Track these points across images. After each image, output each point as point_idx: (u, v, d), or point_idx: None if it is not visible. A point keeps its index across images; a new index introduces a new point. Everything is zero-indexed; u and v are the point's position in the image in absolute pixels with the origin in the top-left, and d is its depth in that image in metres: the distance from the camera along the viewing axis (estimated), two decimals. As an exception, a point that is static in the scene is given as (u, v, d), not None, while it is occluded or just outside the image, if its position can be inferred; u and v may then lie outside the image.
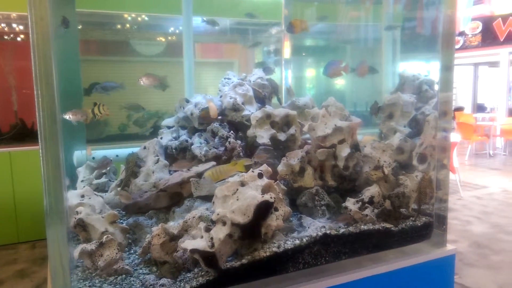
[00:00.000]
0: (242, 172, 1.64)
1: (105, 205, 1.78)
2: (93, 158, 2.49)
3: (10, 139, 5.15)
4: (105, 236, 1.53)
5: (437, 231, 2.00)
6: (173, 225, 1.62)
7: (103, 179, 2.16)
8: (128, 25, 5.71)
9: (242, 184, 1.59)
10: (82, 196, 1.72)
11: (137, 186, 1.95)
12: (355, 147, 1.96)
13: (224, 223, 1.49)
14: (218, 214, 1.49)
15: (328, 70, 2.16)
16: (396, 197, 1.88)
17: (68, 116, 1.71)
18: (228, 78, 2.34)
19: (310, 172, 1.86)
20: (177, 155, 2.07)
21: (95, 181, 2.13)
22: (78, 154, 2.59)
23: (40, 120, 1.25)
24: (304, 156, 1.87)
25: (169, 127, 2.33)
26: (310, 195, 1.85)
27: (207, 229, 1.50)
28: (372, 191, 1.84)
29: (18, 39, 5.73)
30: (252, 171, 1.64)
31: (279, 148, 2.05)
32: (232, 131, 2.04)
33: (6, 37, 5.68)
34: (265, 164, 1.69)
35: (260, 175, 1.63)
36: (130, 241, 1.73)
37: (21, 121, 5.37)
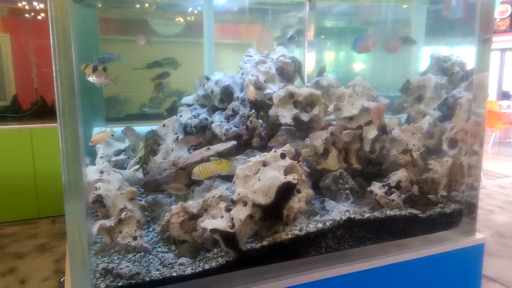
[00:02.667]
0: (228, 171, 1.65)
1: (124, 181, 1.76)
2: (112, 135, 2.47)
3: (30, 116, 5.22)
4: (124, 213, 1.50)
5: (466, 219, 1.91)
6: (193, 204, 1.58)
7: (122, 156, 2.14)
8: (147, 4, 5.64)
9: (264, 164, 1.53)
10: (101, 172, 1.69)
11: (156, 163, 1.91)
12: (382, 130, 1.87)
13: (245, 204, 1.45)
14: (239, 194, 1.44)
15: (357, 45, 2.06)
16: (424, 182, 1.79)
17: (92, 79, 1.67)
18: (250, 56, 2.26)
19: (335, 154, 1.79)
20: (196, 133, 2.02)
21: (114, 158, 2.11)
22: (98, 131, 2.57)
23: (58, 95, 1.21)
24: (329, 138, 1.79)
25: (188, 105, 2.27)
26: (333, 178, 1.78)
27: (228, 209, 1.46)
28: (399, 175, 1.76)
29: (39, 17, 5.74)
30: (275, 151, 1.57)
31: (302, 129, 1.98)
32: (253, 110, 1.98)
33: (27, 15, 5.69)
34: (288, 144, 1.62)
35: (282, 156, 1.57)
36: (148, 218, 1.71)
37: (42, 98, 5.42)
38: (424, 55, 3.15)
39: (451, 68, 2.23)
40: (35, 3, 5.60)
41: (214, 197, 1.57)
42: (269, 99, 2.02)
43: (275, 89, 2.05)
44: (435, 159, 1.87)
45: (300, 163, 1.67)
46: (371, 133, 1.80)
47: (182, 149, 1.95)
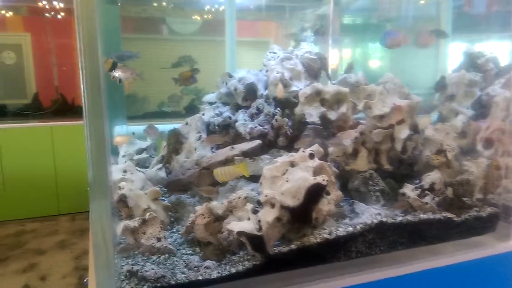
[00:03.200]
0: (245, 174, 1.56)
1: (147, 181, 1.72)
2: (133, 133, 2.45)
3: (51, 114, 5.27)
4: (148, 214, 1.47)
5: (503, 223, 1.81)
6: (218, 205, 1.53)
7: (144, 155, 2.11)
8: (165, 3, 5.63)
9: (292, 164, 1.47)
10: (125, 171, 1.66)
11: (179, 163, 1.87)
12: (414, 129, 1.79)
13: (272, 206, 1.39)
14: (266, 196, 1.39)
15: (386, 40, 1.97)
16: (459, 184, 1.70)
17: (117, 73, 1.64)
18: (274, 52, 2.20)
19: (364, 154, 1.71)
20: (220, 132, 1.98)
21: (136, 157, 2.08)
22: (119, 130, 2.56)
23: (84, 93, 1.18)
24: (358, 137, 1.72)
25: (210, 103, 2.23)
26: (363, 179, 1.70)
27: (254, 211, 1.41)
28: (433, 177, 1.67)
29: (59, 16, 5.79)
30: (303, 151, 1.51)
31: (329, 128, 1.91)
32: (278, 108, 1.92)
33: (47, 14, 5.75)
34: (316, 144, 1.56)
35: (311, 156, 1.50)
36: (172, 219, 1.67)
37: (62, 96, 5.48)
38: (450, 51, 3.05)
39: (485, 64, 2.13)
40: (55, 2, 5.65)
41: (239, 198, 1.52)
42: (295, 97, 1.95)
43: (301, 87, 1.98)
44: (471, 160, 1.78)
45: (328, 163, 1.60)
46: (403, 132, 1.72)
47: (205, 148, 1.91)
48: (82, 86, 1.17)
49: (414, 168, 1.80)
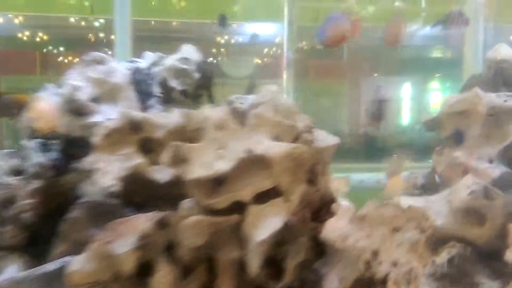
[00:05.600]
0: None
1: None
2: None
3: None
4: None
5: None
6: None
7: None
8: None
9: None
10: None
11: None
12: (323, 210, 0.70)
13: None
14: None
15: (325, 33, 1.03)
16: None
17: None
18: (134, 61, 1.27)
19: (167, 276, 0.66)
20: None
21: None
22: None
23: None
24: (152, 234, 0.68)
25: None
26: None
27: None
28: None
29: None
30: None
31: (154, 201, 0.88)
32: (61, 156, 0.95)
33: None
34: None
35: None
36: None
37: None
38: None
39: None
40: None
41: None
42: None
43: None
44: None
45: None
46: (267, 224, 0.64)
47: None
48: None
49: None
